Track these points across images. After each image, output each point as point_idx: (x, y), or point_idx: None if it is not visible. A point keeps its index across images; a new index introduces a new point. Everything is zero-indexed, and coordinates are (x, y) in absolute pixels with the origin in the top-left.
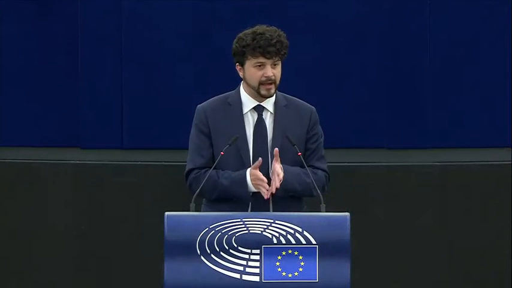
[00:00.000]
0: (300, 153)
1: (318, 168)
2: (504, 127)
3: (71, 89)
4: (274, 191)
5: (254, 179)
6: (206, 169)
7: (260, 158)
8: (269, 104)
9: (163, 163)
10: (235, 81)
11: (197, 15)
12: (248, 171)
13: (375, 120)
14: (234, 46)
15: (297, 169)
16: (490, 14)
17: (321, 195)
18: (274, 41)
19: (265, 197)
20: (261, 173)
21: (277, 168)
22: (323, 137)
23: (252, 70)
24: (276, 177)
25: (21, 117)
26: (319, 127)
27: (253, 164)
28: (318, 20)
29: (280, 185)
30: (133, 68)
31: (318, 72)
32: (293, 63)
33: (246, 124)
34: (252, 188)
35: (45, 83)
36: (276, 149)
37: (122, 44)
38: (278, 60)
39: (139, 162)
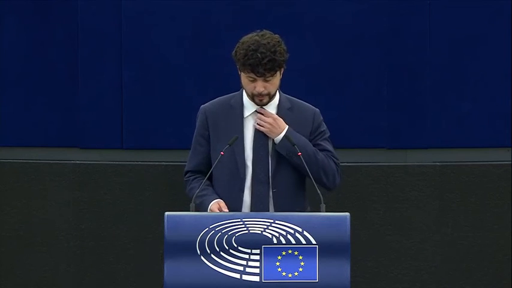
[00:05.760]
0: (300, 153)
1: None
2: (504, 127)
3: (70, 89)
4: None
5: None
6: (197, 176)
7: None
8: (271, 107)
9: (163, 163)
10: (234, 82)
11: (197, 15)
12: (210, 206)
13: (375, 120)
14: (233, 52)
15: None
16: (490, 14)
17: (320, 195)
18: (266, 60)
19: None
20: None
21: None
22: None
23: (245, 80)
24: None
25: (21, 118)
26: (325, 126)
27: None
28: (318, 20)
29: (285, 135)
30: (133, 68)
31: (318, 72)
32: (293, 63)
33: (246, 128)
34: None
35: (45, 83)
36: (260, 109)
37: (121, 44)
38: (270, 76)
39: (139, 162)
